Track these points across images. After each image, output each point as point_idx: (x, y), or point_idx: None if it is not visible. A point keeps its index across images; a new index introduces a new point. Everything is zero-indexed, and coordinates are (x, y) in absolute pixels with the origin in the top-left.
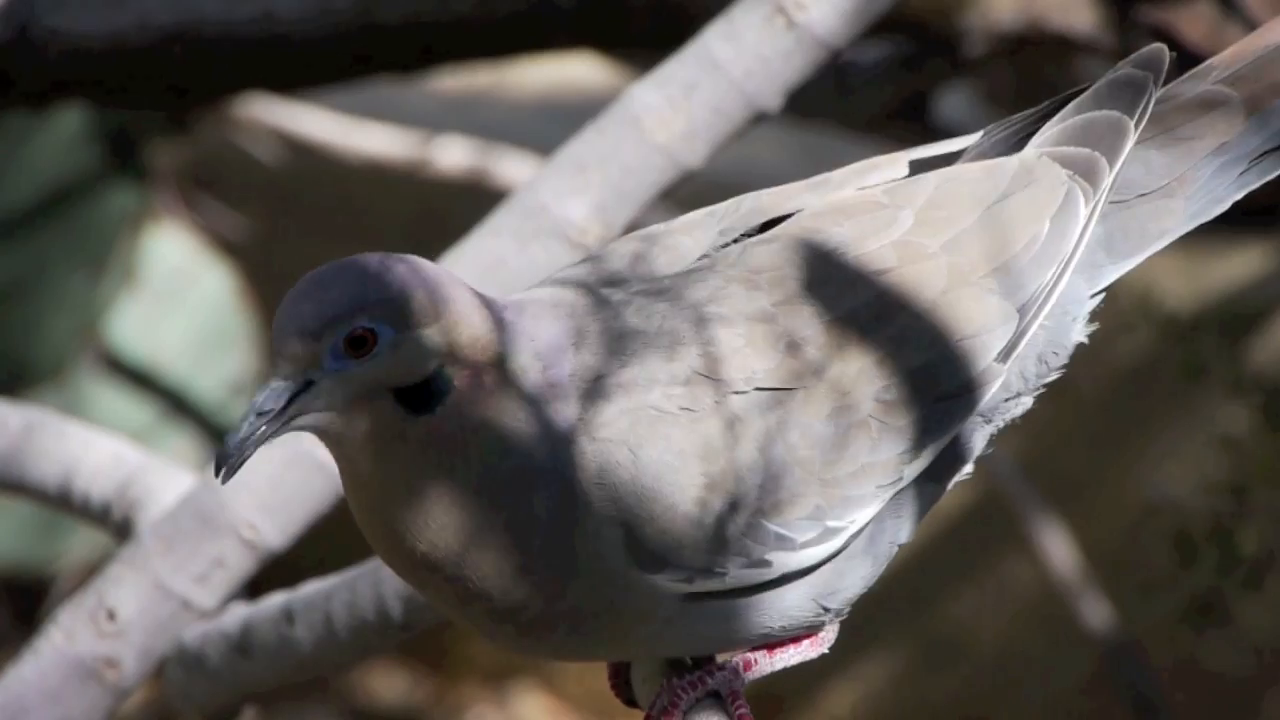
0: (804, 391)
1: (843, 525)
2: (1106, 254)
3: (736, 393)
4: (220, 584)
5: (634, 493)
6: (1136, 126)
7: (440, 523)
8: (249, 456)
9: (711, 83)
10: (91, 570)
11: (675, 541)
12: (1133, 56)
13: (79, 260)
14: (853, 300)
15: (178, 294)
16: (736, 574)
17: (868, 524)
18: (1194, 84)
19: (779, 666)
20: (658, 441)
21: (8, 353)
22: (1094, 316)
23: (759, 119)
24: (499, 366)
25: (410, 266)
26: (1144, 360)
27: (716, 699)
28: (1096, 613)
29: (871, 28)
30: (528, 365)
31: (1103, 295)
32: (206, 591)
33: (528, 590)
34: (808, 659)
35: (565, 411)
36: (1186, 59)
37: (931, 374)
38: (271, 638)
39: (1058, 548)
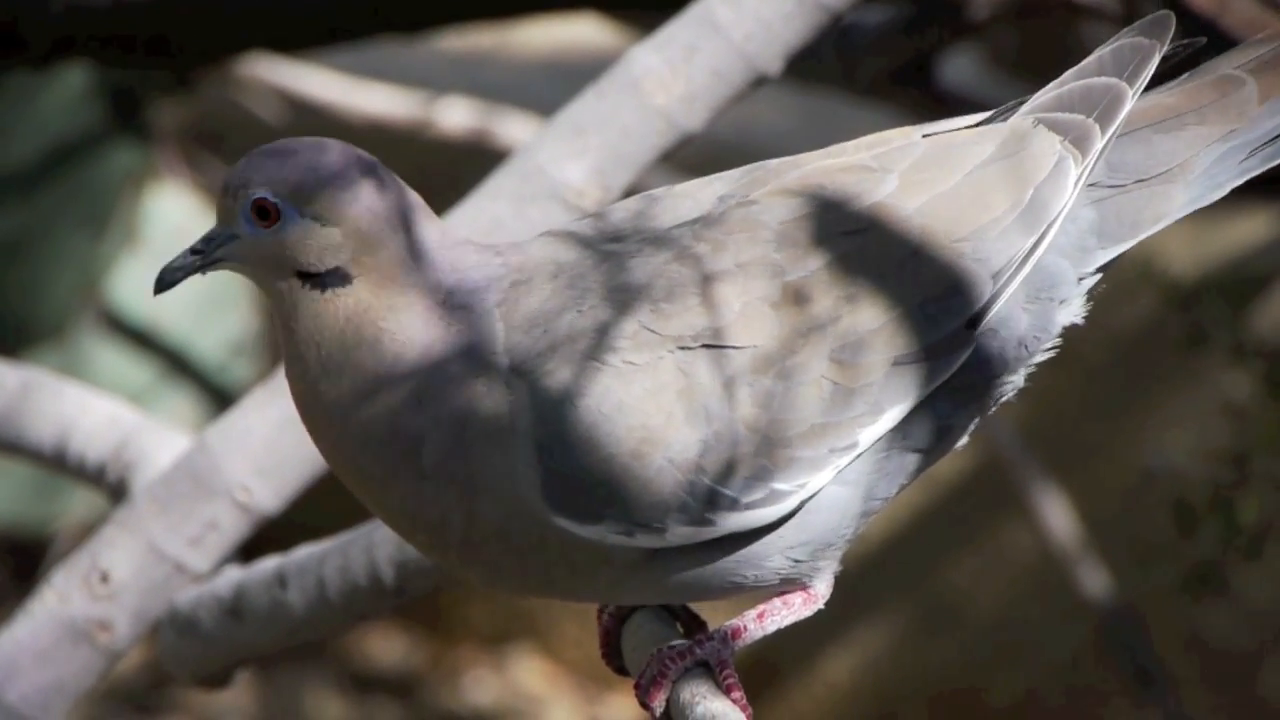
0: (754, 349)
1: (790, 489)
2: (1097, 238)
3: (683, 348)
4: (214, 547)
5: (568, 442)
6: (1135, 94)
7: (340, 407)
8: (180, 280)
9: (712, 46)
10: (90, 530)
11: (611, 494)
12: (1138, 23)
13: (81, 219)
14: (816, 261)
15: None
16: (678, 531)
17: (824, 488)
18: (1212, 65)
19: (771, 630)
20: (597, 392)
21: (9, 311)
22: (1090, 298)
23: (760, 82)
24: (408, 287)
25: (344, 162)
26: (1146, 327)
27: (706, 669)
28: (1095, 581)
29: None
30: (437, 295)
31: (1097, 279)
32: (200, 554)
33: (428, 502)
34: (801, 618)
35: (485, 348)
36: (1193, 24)
37: (890, 336)
38: (264, 601)
39: (1057, 515)
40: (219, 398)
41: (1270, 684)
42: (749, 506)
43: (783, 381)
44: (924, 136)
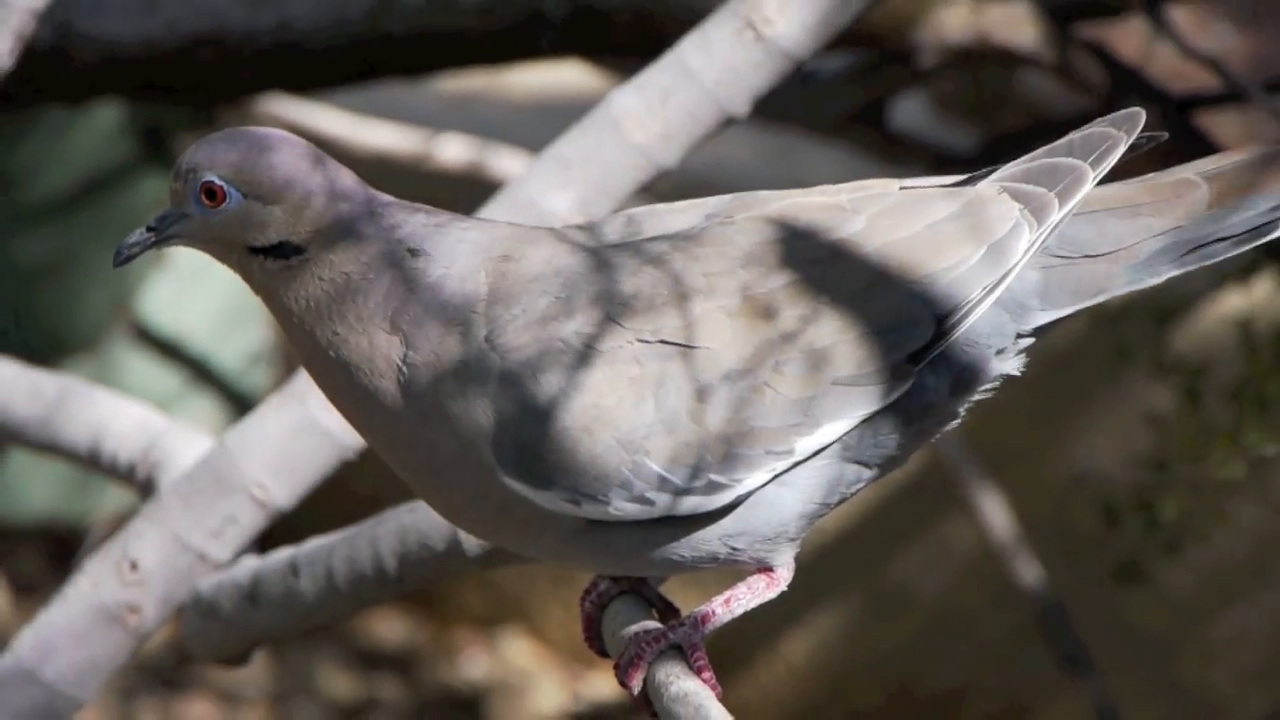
0: (706, 350)
1: (726, 482)
2: (1040, 300)
3: (642, 341)
4: (233, 539)
5: (528, 410)
6: (1096, 177)
7: (332, 346)
8: (137, 255)
9: (686, 89)
10: (122, 522)
11: (560, 464)
12: (1112, 115)
13: (113, 243)
14: (777, 281)
15: (202, 273)
16: (620, 506)
17: (764, 485)
18: (1177, 169)
19: (738, 613)
20: (559, 370)
21: (48, 326)
22: (1021, 354)
23: (729, 123)
24: (363, 240)
25: (283, 148)
26: (1076, 343)
27: (679, 651)
28: (1029, 572)
29: (833, 40)
30: (396, 244)
31: (1031, 339)
32: (220, 545)
33: (402, 427)
34: (766, 600)
35: (466, 304)
36: (1120, 73)
37: (834, 357)
38: (278, 588)
39: (995, 513)
40: (239, 403)
41: (1187, 668)
42: (687, 493)
43: (727, 382)
44: (901, 189)
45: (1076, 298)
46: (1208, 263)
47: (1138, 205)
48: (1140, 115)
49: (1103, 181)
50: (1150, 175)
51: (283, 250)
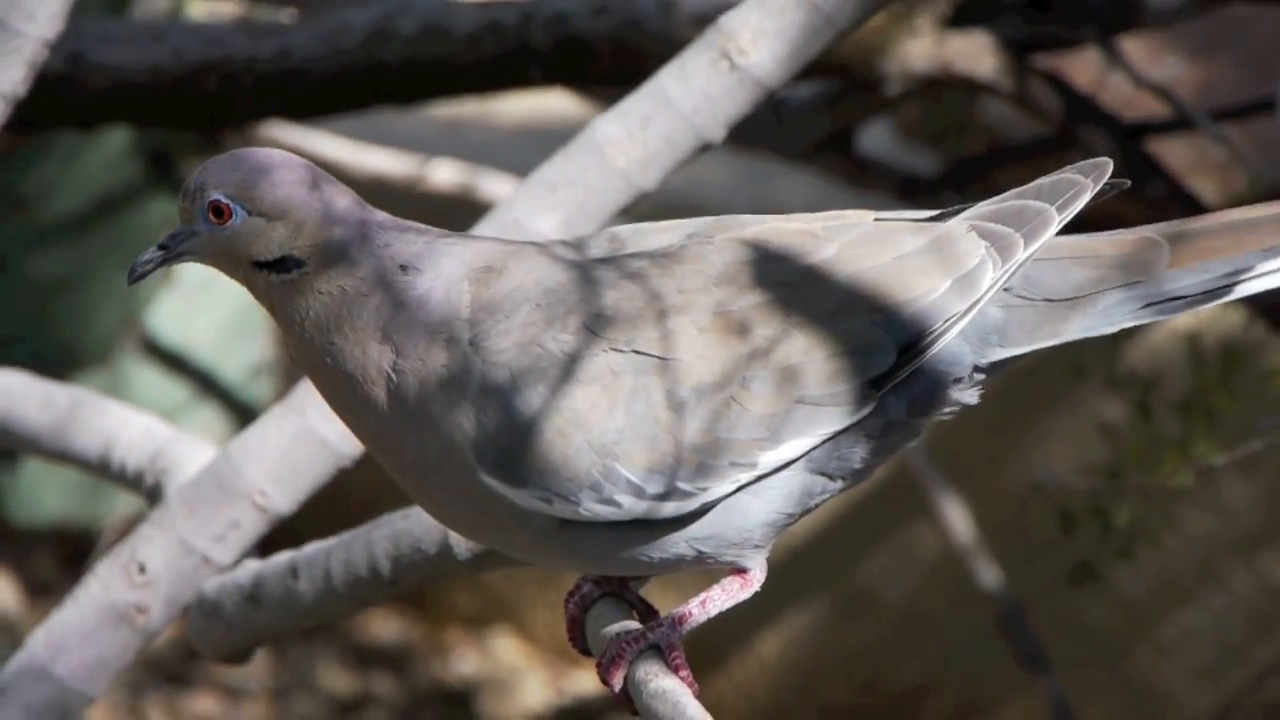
0: (676, 361)
1: (692, 490)
2: (999, 337)
3: (616, 350)
4: (235, 543)
5: (505, 412)
6: (1061, 221)
7: (328, 354)
8: (150, 272)
9: (664, 117)
10: (131, 527)
11: (534, 464)
12: (1081, 163)
13: (122, 261)
14: (749, 300)
15: (208, 289)
16: (590, 507)
17: (731, 494)
18: (1144, 228)
19: (714, 613)
20: (536, 375)
21: (61, 339)
22: (978, 386)
23: (705, 148)
24: (359, 256)
25: (285, 167)
26: (1034, 358)
27: (658, 651)
28: (989, 575)
29: (804, 70)
30: (389, 259)
31: (984, 375)
32: (223, 549)
33: (392, 430)
34: (740, 600)
35: (451, 314)
36: (1075, 102)
37: (799, 377)
38: (278, 590)
39: (957, 518)
40: (242, 414)
41: (1139, 666)
42: (654, 498)
43: (696, 394)
44: (876, 220)
45: (1034, 338)
46: (1162, 318)
47: (1101, 257)
48: (1108, 165)
49: (1069, 227)
50: (1117, 230)
51: (285, 264)
